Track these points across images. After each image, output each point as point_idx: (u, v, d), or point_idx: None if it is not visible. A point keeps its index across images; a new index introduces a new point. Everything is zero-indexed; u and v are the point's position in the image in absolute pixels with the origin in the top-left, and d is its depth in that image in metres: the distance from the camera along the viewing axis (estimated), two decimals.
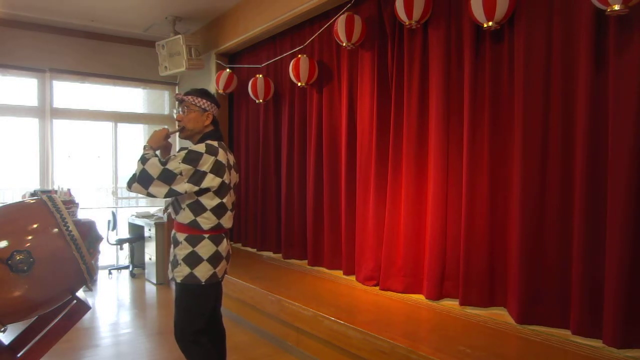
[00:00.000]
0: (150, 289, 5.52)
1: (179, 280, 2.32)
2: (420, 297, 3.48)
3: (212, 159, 2.25)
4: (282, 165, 5.11)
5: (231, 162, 2.42)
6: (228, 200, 2.37)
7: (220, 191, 2.31)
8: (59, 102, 6.21)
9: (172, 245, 2.43)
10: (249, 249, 5.65)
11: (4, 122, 5.94)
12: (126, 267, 6.35)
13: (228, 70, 5.55)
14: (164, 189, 2.22)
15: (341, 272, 4.25)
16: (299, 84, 4.46)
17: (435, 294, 3.36)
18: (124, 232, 6.50)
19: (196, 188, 2.24)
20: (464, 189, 3.22)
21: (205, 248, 2.31)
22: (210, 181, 2.25)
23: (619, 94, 2.47)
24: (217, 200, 2.31)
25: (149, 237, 5.74)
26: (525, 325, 2.84)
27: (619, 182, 2.45)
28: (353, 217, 4.13)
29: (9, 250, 1.85)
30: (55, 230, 1.97)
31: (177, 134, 2.46)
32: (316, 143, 4.56)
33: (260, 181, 5.43)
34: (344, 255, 4.22)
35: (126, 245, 6.42)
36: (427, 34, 3.50)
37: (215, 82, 5.57)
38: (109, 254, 6.41)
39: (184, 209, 2.31)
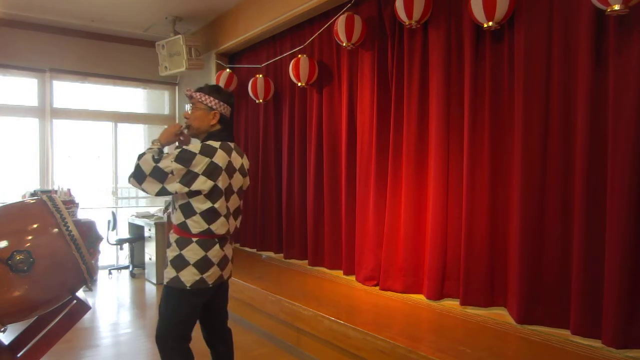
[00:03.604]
0: (150, 289, 5.52)
1: (165, 282, 2.26)
2: (420, 297, 3.48)
3: (206, 160, 2.15)
4: (282, 165, 5.11)
5: (236, 165, 2.32)
6: (221, 205, 2.22)
7: (212, 195, 2.19)
8: (59, 102, 6.20)
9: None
10: (248, 249, 5.65)
11: (4, 122, 5.94)
12: (126, 267, 6.35)
13: (228, 70, 5.55)
14: (157, 187, 2.17)
15: (341, 272, 4.26)
16: (299, 84, 4.46)
17: (435, 293, 3.36)
18: (124, 232, 6.49)
19: (186, 189, 2.15)
20: (465, 189, 3.22)
21: (192, 252, 2.21)
22: (202, 184, 2.15)
23: (619, 94, 2.47)
24: (207, 205, 2.19)
25: (149, 237, 5.74)
26: (525, 325, 2.84)
27: (619, 182, 2.45)
28: (353, 217, 4.13)
29: (9, 250, 1.84)
30: (55, 230, 1.97)
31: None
32: (316, 143, 4.56)
33: (261, 181, 5.43)
34: (344, 255, 4.22)
35: (126, 245, 6.42)
36: (427, 34, 3.50)
37: (215, 82, 5.57)
38: (109, 254, 6.40)
39: (176, 209, 2.25)
